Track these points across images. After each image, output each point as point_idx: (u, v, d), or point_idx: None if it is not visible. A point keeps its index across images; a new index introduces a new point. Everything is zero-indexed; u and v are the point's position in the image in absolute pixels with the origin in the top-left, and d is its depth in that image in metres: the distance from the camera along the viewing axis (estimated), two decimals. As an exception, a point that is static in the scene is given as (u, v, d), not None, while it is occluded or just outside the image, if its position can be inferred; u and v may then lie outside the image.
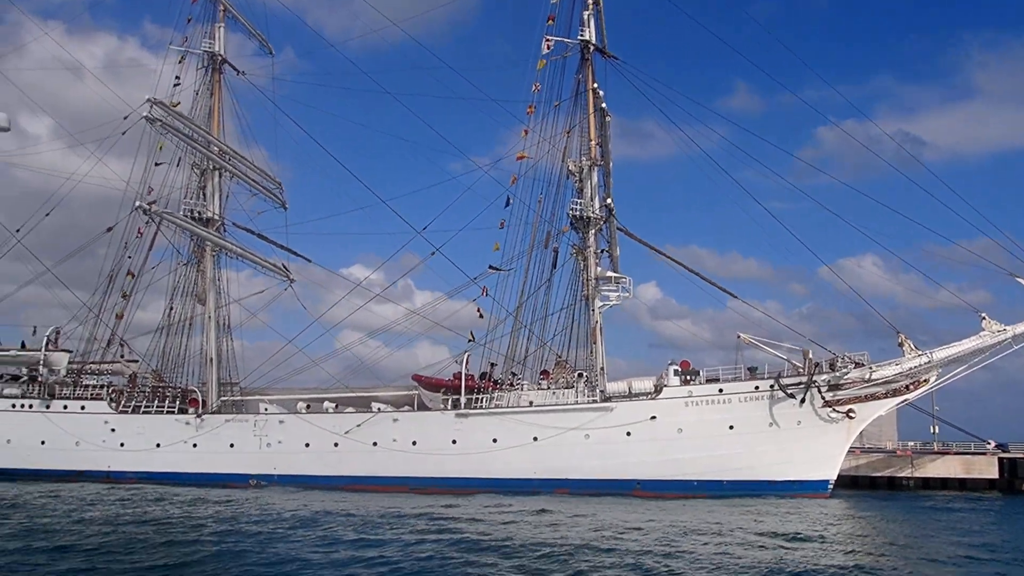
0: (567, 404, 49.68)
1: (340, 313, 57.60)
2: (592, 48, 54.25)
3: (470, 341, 53.45)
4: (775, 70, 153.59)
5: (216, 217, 56.39)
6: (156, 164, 55.98)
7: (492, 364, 53.24)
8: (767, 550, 26.82)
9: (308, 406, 54.04)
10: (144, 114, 50.77)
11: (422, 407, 52.79)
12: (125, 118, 52.91)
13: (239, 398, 55.57)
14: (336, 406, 53.85)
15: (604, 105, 51.19)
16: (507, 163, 56.06)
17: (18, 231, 56.02)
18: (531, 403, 50.37)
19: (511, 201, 53.79)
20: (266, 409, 53.96)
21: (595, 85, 52.42)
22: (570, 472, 48.24)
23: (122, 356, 57.40)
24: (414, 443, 50.37)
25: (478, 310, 53.76)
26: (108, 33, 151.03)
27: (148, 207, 52.23)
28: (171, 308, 56.97)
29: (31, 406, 54.27)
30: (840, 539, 30.87)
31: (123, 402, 54.38)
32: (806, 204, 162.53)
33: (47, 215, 56.59)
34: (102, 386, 55.70)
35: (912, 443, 65.91)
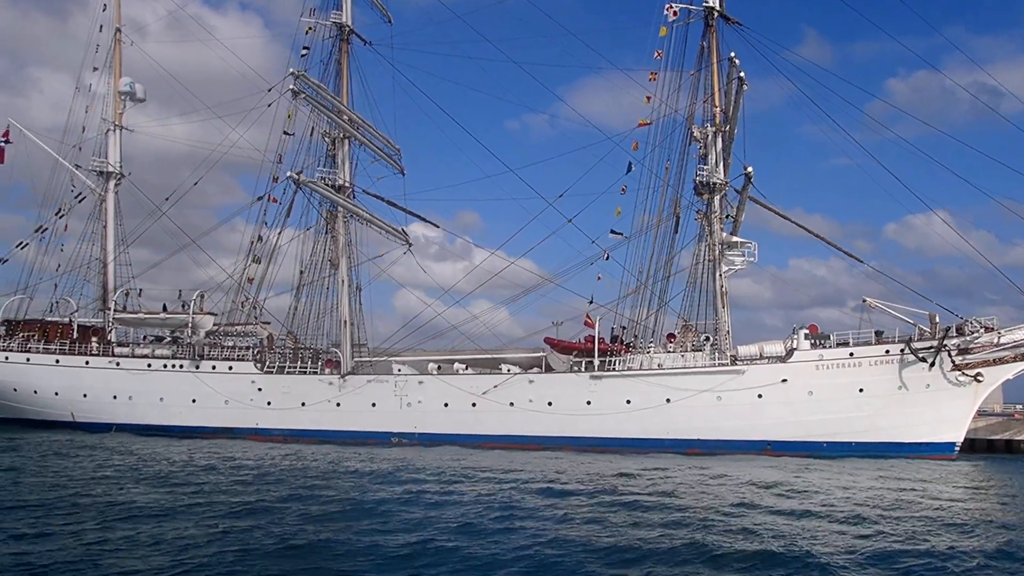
0: (698, 367, 51.19)
1: (471, 279, 59.91)
2: (716, 14, 54.79)
3: (590, 303, 55.27)
4: (845, 20, 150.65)
5: (347, 184, 58.27)
6: (285, 133, 57.92)
7: (622, 327, 54.87)
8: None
9: (439, 367, 56.21)
10: (290, 86, 52.48)
11: (549, 369, 54.61)
12: (269, 90, 54.97)
13: (374, 359, 57.81)
14: (466, 367, 55.98)
15: (742, 74, 51.71)
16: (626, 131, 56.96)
17: (166, 200, 58.76)
18: (660, 365, 51.99)
19: (633, 167, 55.07)
20: (399, 370, 56.17)
21: (732, 54, 52.99)
22: (701, 433, 49.81)
23: (255, 319, 59.91)
24: (549, 403, 52.23)
25: (598, 274, 55.77)
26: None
27: (297, 176, 54.20)
28: (301, 272, 59.22)
29: (182, 366, 57.12)
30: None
31: (267, 363, 56.96)
32: (873, 159, 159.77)
33: (195, 184, 59.32)
34: (246, 347, 58.31)
35: (1019, 405, 66.45)
